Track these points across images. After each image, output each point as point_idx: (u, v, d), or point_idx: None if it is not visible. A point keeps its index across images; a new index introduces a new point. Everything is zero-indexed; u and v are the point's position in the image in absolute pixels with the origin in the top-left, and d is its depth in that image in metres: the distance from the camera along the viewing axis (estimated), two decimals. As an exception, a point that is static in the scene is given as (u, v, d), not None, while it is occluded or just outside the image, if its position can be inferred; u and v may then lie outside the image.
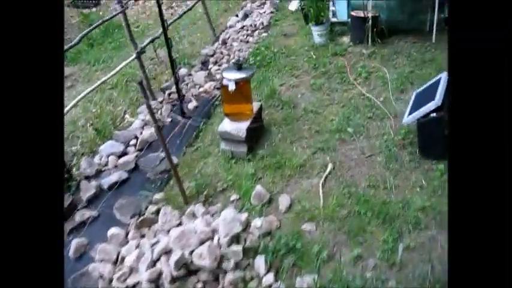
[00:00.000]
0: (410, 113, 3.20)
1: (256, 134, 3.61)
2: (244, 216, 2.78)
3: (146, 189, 3.26)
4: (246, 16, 6.45)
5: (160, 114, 4.22)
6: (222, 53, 5.36)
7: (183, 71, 4.98)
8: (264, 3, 6.82)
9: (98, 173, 3.54)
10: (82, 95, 3.80)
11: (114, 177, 3.40)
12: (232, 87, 3.29)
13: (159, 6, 3.51)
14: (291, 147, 3.52)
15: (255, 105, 3.65)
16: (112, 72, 3.96)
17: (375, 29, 4.81)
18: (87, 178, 3.48)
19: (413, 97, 3.51)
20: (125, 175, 3.45)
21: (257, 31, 5.84)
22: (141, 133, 3.93)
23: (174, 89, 4.61)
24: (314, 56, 4.91)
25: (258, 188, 3.05)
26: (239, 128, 3.39)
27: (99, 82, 3.96)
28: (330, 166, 3.23)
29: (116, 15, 4.19)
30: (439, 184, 2.92)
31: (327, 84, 4.32)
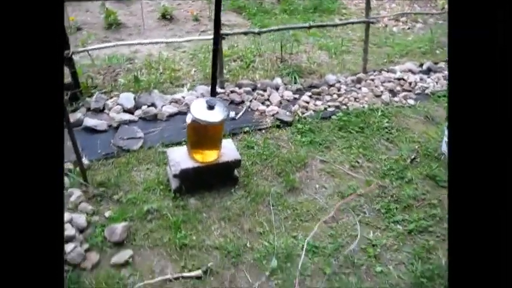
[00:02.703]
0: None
1: (206, 180, 2.98)
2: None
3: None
4: (428, 71, 5.02)
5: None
6: (334, 92, 4.43)
7: (276, 80, 4.42)
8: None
9: (97, 111, 3.72)
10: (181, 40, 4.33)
11: (90, 123, 3.50)
12: (188, 120, 2.77)
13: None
14: (217, 228, 2.77)
15: (229, 154, 2.97)
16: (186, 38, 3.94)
17: None
18: (87, 109, 3.73)
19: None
20: (102, 127, 3.51)
21: (404, 93, 4.48)
22: (162, 106, 3.83)
23: (242, 90, 4.21)
24: (408, 160, 3.51)
25: (120, 225, 2.61)
26: (178, 162, 2.87)
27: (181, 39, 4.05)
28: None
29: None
30: None
31: (362, 206, 3.08)
